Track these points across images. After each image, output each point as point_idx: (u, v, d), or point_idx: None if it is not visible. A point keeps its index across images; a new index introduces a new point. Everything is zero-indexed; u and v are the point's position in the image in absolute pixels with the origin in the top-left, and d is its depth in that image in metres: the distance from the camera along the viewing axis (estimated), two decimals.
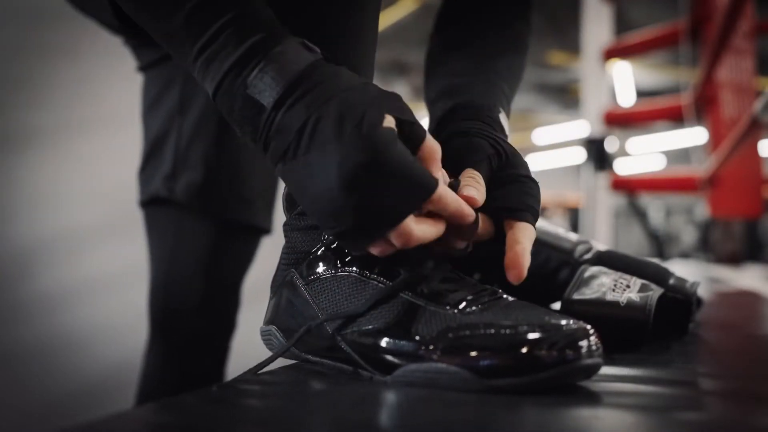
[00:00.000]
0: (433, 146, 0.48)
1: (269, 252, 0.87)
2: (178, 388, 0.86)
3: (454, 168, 0.54)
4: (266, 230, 0.95)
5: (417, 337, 0.45)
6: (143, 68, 0.91)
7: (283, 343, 0.54)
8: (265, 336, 0.56)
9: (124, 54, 0.93)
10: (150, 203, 0.90)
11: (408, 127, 0.46)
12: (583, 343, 0.42)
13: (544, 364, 0.42)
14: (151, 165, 0.90)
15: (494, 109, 0.63)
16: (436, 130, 0.62)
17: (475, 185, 0.52)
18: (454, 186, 0.51)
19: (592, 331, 0.44)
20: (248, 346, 0.98)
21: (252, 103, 0.46)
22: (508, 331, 0.43)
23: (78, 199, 1.28)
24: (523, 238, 0.52)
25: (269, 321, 0.56)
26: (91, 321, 1.27)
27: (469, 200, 0.50)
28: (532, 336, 0.42)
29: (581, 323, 0.44)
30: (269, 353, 0.56)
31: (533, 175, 0.57)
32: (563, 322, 0.43)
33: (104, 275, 1.29)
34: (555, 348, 0.42)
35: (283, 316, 0.54)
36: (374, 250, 0.47)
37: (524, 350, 0.42)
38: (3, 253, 1.20)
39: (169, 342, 0.90)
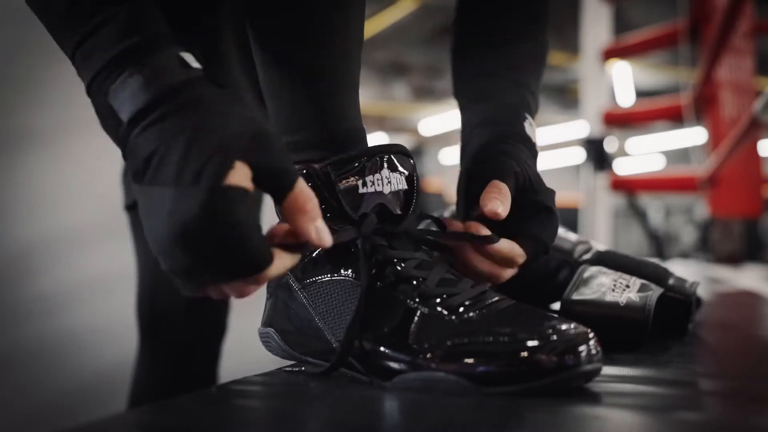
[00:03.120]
0: (301, 197, 0.44)
1: None
2: (169, 394, 0.85)
3: (479, 183, 0.57)
4: None
5: (415, 345, 0.45)
6: None
7: (281, 345, 0.54)
8: (264, 338, 0.56)
9: None
10: (135, 206, 0.89)
11: (269, 177, 0.43)
12: (583, 348, 0.42)
13: (544, 371, 0.41)
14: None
15: (521, 121, 0.65)
16: (475, 150, 0.63)
17: (500, 198, 0.55)
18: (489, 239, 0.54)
19: (591, 335, 0.43)
20: (242, 348, 0.98)
21: (112, 113, 0.43)
22: (506, 338, 0.42)
23: (77, 199, 1.28)
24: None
25: (267, 323, 0.56)
26: (90, 321, 1.26)
27: (494, 215, 0.53)
28: (530, 343, 0.42)
29: (581, 327, 0.44)
30: (267, 355, 0.56)
31: (553, 203, 0.59)
32: (563, 327, 0.43)
33: (104, 275, 1.29)
34: (554, 354, 0.41)
35: (279, 318, 0.54)
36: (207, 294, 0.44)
37: (523, 358, 0.42)
38: (3, 253, 1.20)
39: (159, 347, 0.89)
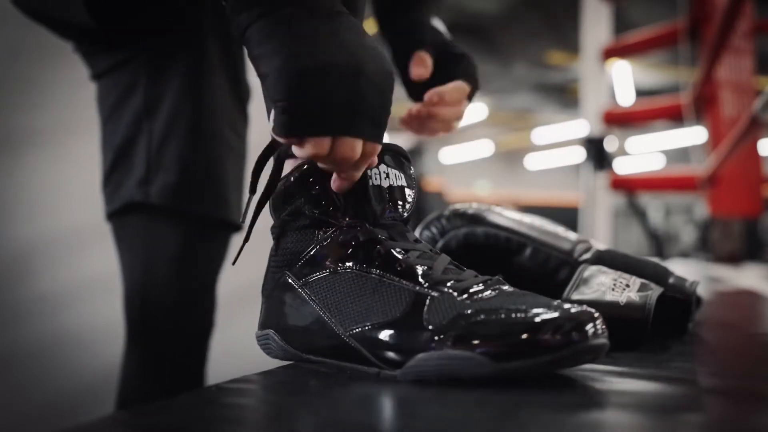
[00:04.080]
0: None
1: (251, 255, 0.87)
2: (157, 393, 0.84)
3: (405, 53, 0.77)
4: (239, 226, 0.94)
5: (430, 326, 0.45)
6: (98, 75, 0.89)
7: (281, 344, 0.54)
8: (262, 340, 0.56)
9: None
10: (118, 213, 0.88)
11: None
12: (590, 326, 0.43)
13: (555, 346, 0.42)
14: (117, 173, 0.88)
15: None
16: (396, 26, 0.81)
17: (423, 64, 0.74)
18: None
19: (597, 315, 0.45)
20: (237, 347, 0.97)
21: None
22: (518, 314, 0.44)
23: (77, 199, 1.28)
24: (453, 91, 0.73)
25: (265, 325, 0.56)
26: (90, 321, 1.26)
27: (420, 77, 0.74)
28: (543, 317, 0.43)
29: (586, 307, 0.45)
30: (261, 354, 0.56)
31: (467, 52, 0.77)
32: (570, 306, 0.45)
33: (103, 275, 1.28)
34: (564, 330, 0.43)
35: (279, 318, 0.54)
36: (301, 150, 0.47)
37: (536, 332, 0.43)
38: (3, 253, 1.20)
39: (149, 348, 0.89)
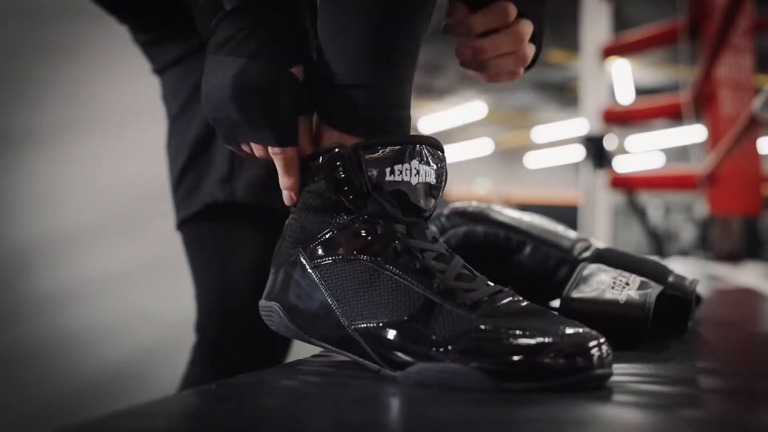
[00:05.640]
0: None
1: None
2: None
3: None
4: None
5: (433, 336, 0.45)
6: (163, 69, 0.84)
7: (285, 321, 0.53)
8: (266, 311, 0.55)
9: (124, 54, 0.91)
10: (194, 218, 0.82)
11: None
12: (595, 352, 0.43)
13: (558, 372, 0.42)
14: (192, 173, 0.82)
15: None
16: None
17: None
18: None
19: (602, 340, 0.44)
20: None
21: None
22: (525, 335, 0.43)
23: (78, 199, 1.28)
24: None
25: (270, 296, 0.55)
26: (90, 321, 1.26)
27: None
28: (547, 342, 0.42)
29: (594, 332, 0.44)
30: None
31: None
32: (578, 330, 0.44)
33: (104, 275, 1.29)
34: (568, 355, 0.42)
35: (287, 294, 0.53)
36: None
37: (540, 356, 0.42)
38: (3, 253, 1.20)
39: (222, 361, 0.84)
